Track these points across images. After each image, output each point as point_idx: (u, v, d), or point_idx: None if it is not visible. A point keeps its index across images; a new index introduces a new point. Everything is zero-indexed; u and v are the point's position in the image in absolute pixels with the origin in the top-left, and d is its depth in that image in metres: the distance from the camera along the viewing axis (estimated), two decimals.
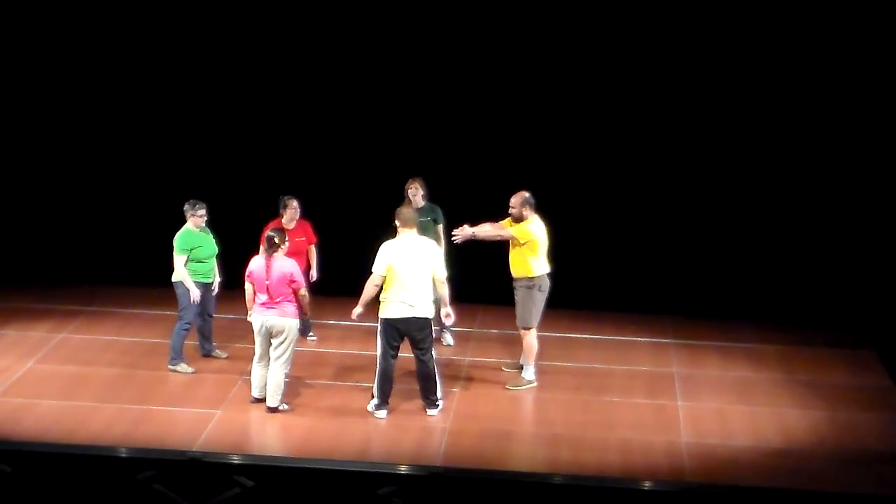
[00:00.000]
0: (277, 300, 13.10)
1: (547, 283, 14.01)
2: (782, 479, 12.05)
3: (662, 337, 15.75)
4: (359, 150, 16.60)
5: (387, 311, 13.04)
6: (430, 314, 13.16)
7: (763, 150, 16.15)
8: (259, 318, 13.17)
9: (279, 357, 13.14)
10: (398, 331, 13.06)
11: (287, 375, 13.24)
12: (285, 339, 13.12)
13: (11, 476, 11.62)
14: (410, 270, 12.98)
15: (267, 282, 13.09)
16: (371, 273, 13.02)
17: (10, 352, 14.66)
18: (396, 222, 13.24)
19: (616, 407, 13.73)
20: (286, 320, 13.11)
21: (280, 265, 13.12)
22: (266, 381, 13.26)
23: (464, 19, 16.17)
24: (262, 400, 13.31)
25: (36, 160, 16.99)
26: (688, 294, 16.37)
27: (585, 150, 16.38)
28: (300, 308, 13.24)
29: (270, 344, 13.17)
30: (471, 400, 13.79)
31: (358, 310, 13.12)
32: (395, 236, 13.44)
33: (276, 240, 13.18)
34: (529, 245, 13.83)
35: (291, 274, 13.14)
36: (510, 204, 13.94)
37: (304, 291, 13.21)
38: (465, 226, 13.92)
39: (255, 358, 13.31)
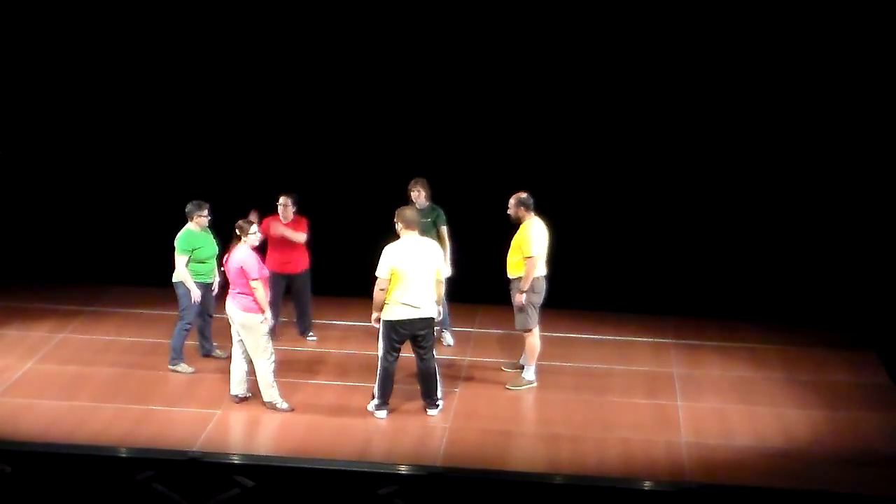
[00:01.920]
0: (235, 291, 13.11)
1: (542, 285, 14.01)
2: (782, 479, 12.05)
3: (662, 337, 15.75)
4: (359, 150, 16.59)
5: (391, 313, 13.00)
6: (434, 314, 13.14)
7: (763, 149, 16.14)
8: (227, 307, 13.21)
9: (253, 350, 13.12)
10: (402, 333, 13.05)
11: (275, 371, 13.19)
12: (247, 330, 13.07)
13: (11, 476, 11.62)
14: (414, 272, 12.95)
15: (222, 269, 13.12)
16: (376, 278, 12.98)
17: (10, 352, 14.66)
18: (398, 224, 13.20)
19: (616, 407, 13.73)
20: (243, 313, 13.06)
21: (235, 256, 13.09)
22: (244, 376, 13.29)
23: (465, 19, 16.16)
24: (244, 398, 13.33)
25: (37, 160, 16.98)
26: (688, 294, 16.36)
27: (586, 151, 16.37)
28: (257, 302, 13.12)
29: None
30: (471, 400, 13.79)
31: (375, 314, 13.08)
32: (394, 237, 13.43)
33: (240, 230, 13.12)
34: (526, 250, 13.83)
35: (242, 265, 13.02)
36: (508, 205, 13.97)
37: (255, 283, 13.02)
38: (519, 298, 13.89)
39: (234, 348, 13.32)
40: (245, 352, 13.24)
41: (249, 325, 13.08)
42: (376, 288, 12.94)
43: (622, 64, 16.14)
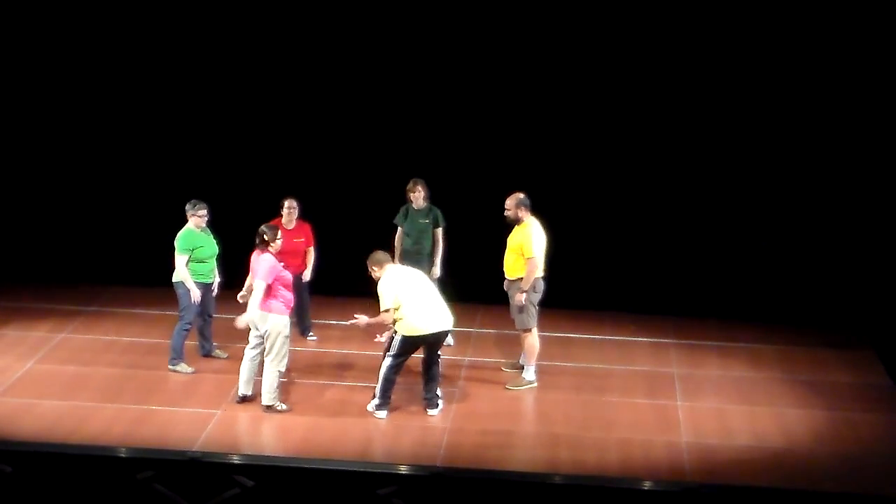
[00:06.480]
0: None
1: (541, 285, 14.01)
2: (782, 479, 12.06)
3: (662, 337, 15.75)
4: (359, 151, 16.60)
5: (419, 327, 12.99)
6: (451, 323, 13.30)
7: (763, 149, 16.15)
8: (248, 311, 13.21)
9: (268, 353, 13.14)
10: (426, 343, 13.09)
11: (282, 374, 13.23)
12: (269, 335, 13.10)
13: (11, 476, 11.62)
14: (420, 290, 13.08)
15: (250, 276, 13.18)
16: (385, 311, 12.95)
17: (10, 352, 14.66)
18: (374, 268, 13.13)
19: (616, 407, 13.74)
20: (269, 316, 13.10)
21: (260, 261, 13.12)
22: (252, 376, 13.31)
23: (463, 20, 16.17)
24: (248, 398, 13.33)
25: (37, 160, 16.99)
26: (688, 294, 16.37)
27: (586, 151, 16.38)
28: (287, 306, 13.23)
29: (261, 338, 13.22)
30: (471, 400, 13.80)
31: (365, 319, 13.13)
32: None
33: (266, 237, 13.20)
34: (528, 251, 13.84)
35: (263, 270, 13.08)
36: (505, 206, 13.95)
37: (259, 284, 12.99)
38: (520, 297, 13.93)
39: (247, 347, 13.33)
40: (258, 354, 13.25)
41: (275, 328, 13.09)
42: (385, 317, 12.97)
43: (621, 64, 16.15)
